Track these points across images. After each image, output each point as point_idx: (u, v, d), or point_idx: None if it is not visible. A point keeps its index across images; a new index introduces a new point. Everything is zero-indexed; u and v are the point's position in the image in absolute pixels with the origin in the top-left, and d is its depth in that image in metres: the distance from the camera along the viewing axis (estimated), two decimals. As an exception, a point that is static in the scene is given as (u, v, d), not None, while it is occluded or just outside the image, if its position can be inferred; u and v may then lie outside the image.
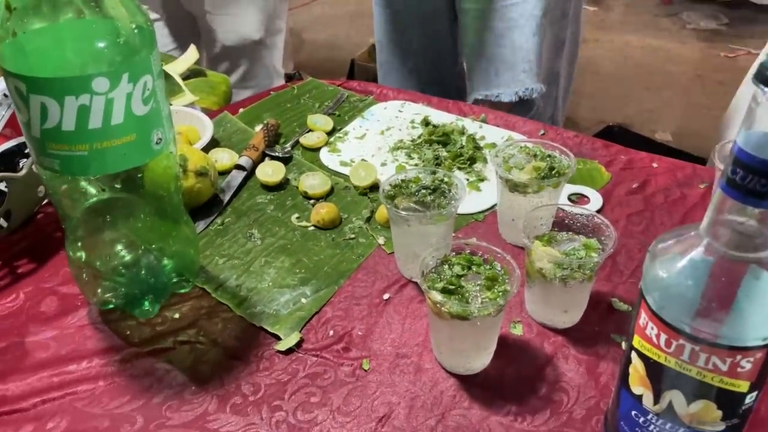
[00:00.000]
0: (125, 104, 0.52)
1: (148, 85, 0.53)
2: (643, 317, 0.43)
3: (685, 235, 0.42)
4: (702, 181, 0.84)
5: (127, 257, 0.64)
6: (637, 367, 0.45)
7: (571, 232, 0.64)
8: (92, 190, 0.59)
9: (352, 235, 0.77)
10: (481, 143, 0.91)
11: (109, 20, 0.51)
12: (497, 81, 1.15)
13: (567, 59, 1.20)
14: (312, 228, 0.78)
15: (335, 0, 3.62)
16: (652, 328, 0.43)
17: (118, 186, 0.58)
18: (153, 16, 1.39)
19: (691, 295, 0.41)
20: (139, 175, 0.57)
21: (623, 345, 0.47)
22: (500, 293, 0.56)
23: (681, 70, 2.90)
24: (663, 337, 0.42)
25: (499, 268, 0.58)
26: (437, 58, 1.27)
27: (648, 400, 0.45)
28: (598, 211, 0.79)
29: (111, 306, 0.66)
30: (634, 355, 0.45)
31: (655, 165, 0.88)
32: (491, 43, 1.15)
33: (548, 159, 0.72)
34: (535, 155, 0.73)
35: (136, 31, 0.52)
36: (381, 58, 1.32)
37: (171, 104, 1.00)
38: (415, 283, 0.70)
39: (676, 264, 0.41)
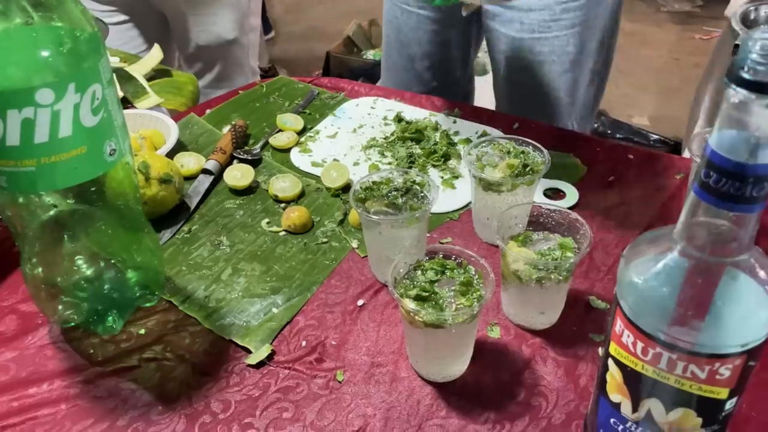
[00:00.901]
0: (73, 116, 0.49)
1: (97, 94, 0.50)
2: (619, 324, 0.42)
3: (659, 239, 0.41)
4: (678, 171, 0.83)
5: (89, 271, 0.61)
6: (614, 374, 0.44)
7: (546, 231, 0.62)
8: (46, 205, 0.56)
9: (325, 239, 0.75)
10: (456, 139, 0.90)
11: (52, 28, 0.48)
12: (523, 110, 1.05)
13: (597, 85, 1.11)
14: (283, 233, 0.76)
15: (309, -9, 3.57)
16: (629, 336, 0.41)
17: (71, 200, 0.55)
18: (123, 17, 1.35)
19: (666, 302, 0.39)
20: (93, 188, 0.55)
21: (600, 352, 0.46)
22: (475, 299, 0.54)
23: (657, 53, 2.91)
24: (639, 345, 0.41)
25: (473, 272, 0.57)
26: (446, 64, 1.18)
27: (626, 408, 0.44)
28: (575, 206, 0.78)
29: (73, 324, 0.63)
30: (611, 362, 0.44)
31: (630, 156, 0.86)
32: (519, 74, 1.07)
33: (522, 156, 0.70)
34: (508, 152, 0.71)
35: (81, 38, 0.49)
36: (386, 55, 1.23)
37: (135, 107, 0.97)
38: (390, 287, 0.68)
39: (650, 269, 0.40)
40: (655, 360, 0.40)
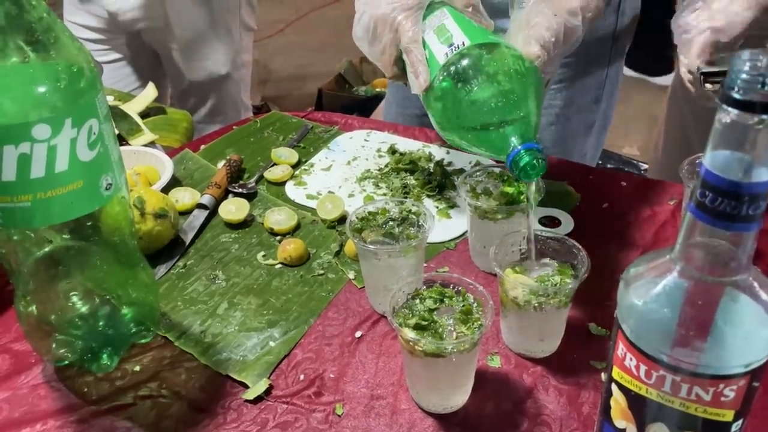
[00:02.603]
0: (69, 150, 0.49)
1: (93, 129, 0.51)
2: (621, 348, 0.42)
3: (658, 260, 0.41)
4: (671, 197, 0.84)
5: (83, 308, 0.61)
6: (618, 399, 0.43)
7: (545, 258, 0.62)
8: (41, 240, 0.56)
9: (321, 271, 0.74)
10: (449, 169, 0.90)
11: (48, 64, 0.48)
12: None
13: (596, 137, 1.11)
14: (279, 266, 0.75)
15: (300, 30, 3.63)
16: (631, 359, 0.41)
17: (66, 236, 0.55)
18: (116, 55, 1.37)
19: (667, 323, 0.39)
20: (89, 223, 0.54)
21: (603, 377, 0.45)
22: (476, 327, 0.53)
23: (644, 85, 2.95)
24: (642, 368, 0.40)
25: (472, 300, 0.56)
26: None
27: (632, 434, 0.43)
28: (570, 234, 0.78)
29: (67, 362, 0.62)
30: (614, 387, 0.43)
31: (623, 183, 0.87)
32: None
33: (516, 183, 0.71)
34: (503, 180, 0.72)
35: (77, 74, 0.49)
36: (389, 91, 1.22)
37: (129, 144, 0.97)
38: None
39: (650, 291, 0.40)
40: (659, 383, 0.40)
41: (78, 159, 0.50)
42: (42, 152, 0.48)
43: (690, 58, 0.72)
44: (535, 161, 0.58)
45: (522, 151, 0.58)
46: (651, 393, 0.41)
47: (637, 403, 0.42)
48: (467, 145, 0.64)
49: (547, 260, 0.62)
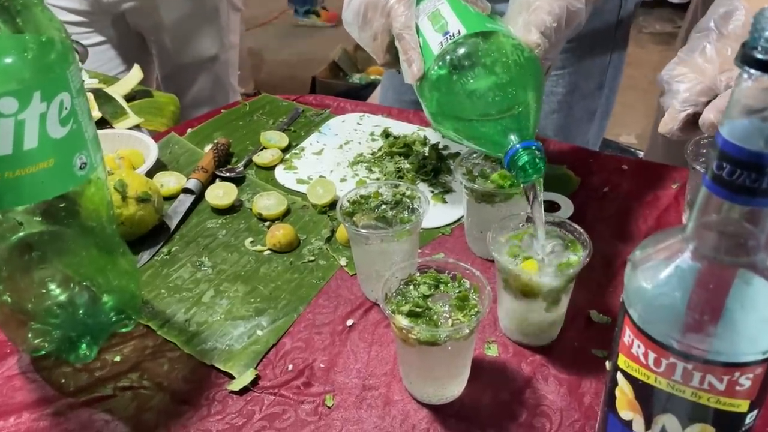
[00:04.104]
0: (39, 126, 0.46)
1: (65, 104, 0.47)
2: (628, 334, 0.39)
3: (668, 241, 0.38)
4: (674, 181, 0.81)
5: (61, 296, 0.58)
6: (624, 389, 0.41)
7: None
8: (12, 225, 0.53)
9: (312, 258, 0.71)
10: (445, 153, 0.87)
11: (15, 33, 0.45)
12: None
13: (598, 123, 1.08)
14: (268, 252, 0.72)
15: (294, 17, 3.58)
16: (639, 346, 0.38)
17: (38, 219, 0.52)
18: (100, 38, 1.33)
19: (678, 307, 0.36)
20: (62, 205, 0.51)
21: (608, 365, 0.43)
22: (473, 314, 0.51)
23: (641, 73, 2.93)
24: (651, 355, 0.38)
25: (469, 286, 0.54)
26: None
27: (639, 426, 0.41)
28: (570, 218, 0.75)
29: (43, 352, 0.59)
30: (620, 376, 0.41)
31: (624, 167, 0.84)
32: None
33: (514, 165, 0.68)
34: (500, 162, 0.69)
35: (47, 44, 0.46)
36: (385, 76, 1.19)
37: (114, 127, 0.94)
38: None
39: (660, 273, 0.37)
40: (669, 371, 0.37)
41: (48, 136, 0.47)
42: (8, 127, 0.45)
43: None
44: (534, 160, 0.54)
45: (520, 150, 0.55)
46: (660, 382, 0.38)
47: (644, 393, 0.39)
48: (462, 139, 0.61)
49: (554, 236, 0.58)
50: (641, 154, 2.11)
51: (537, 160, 0.55)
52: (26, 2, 0.45)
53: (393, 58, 0.68)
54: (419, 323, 0.50)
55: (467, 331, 0.50)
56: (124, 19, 1.31)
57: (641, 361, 0.38)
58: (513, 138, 0.56)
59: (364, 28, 0.68)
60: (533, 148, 0.55)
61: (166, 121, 1.05)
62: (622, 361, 0.40)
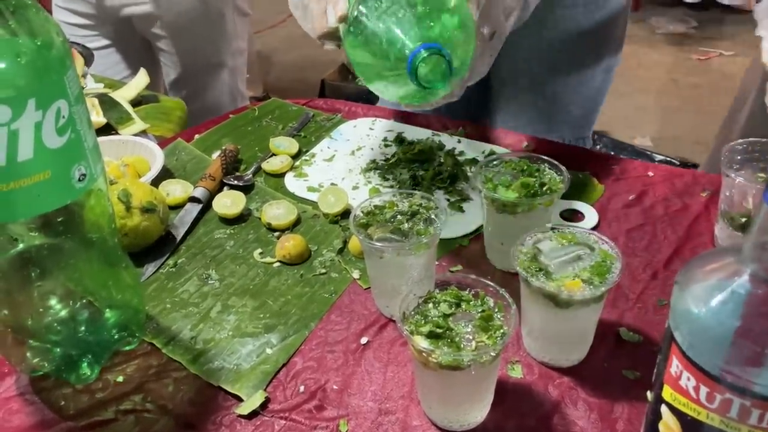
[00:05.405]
0: (34, 136, 0.43)
1: (63, 111, 0.44)
2: (676, 364, 0.35)
3: (720, 261, 0.34)
4: (703, 188, 0.77)
5: (62, 312, 0.55)
6: (669, 424, 0.37)
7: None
8: (9, 239, 0.50)
9: (323, 270, 0.68)
10: (461, 159, 0.84)
11: (7, 37, 0.42)
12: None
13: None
14: (277, 264, 0.69)
15: (302, 20, 3.56)
16: (689, 379, 0.35)
17: (35, 233, 0.49)
18: (105, 42, 1.31)
19: (735, 337, 0.33)
20: (60, 219, 0.48)
21: (649, 396, 0.39)
22: (498, 336, 0.47)
23: (654, 74, 2.88)
24: (703, 389, 0.34)
25: (492, 304, 0.50)
26: None
27: (686, 465, 0.37)
28: (595, 228, 0.71)
29: (42, 372, 0.56)
30: (664, 409, 0.37)
31: (650, 174, 0.81)
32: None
33: (537, 174, 0.64)
34: (522, 170, 0.65)
35: (43, 48, 0.43)
36: None
37: (119, 133, 0.91)
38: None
39: (713, 297, 0.34)
40: (723, 408, 0.34)
41: (44, 146, 0.44)
42: (1, 137, 0.42)
43: None
44: (435, 60, 0.49)
45: (422, 50, 0.50)
46: (713, 419, 0.34)
47: (694, 431, 0.36)
48: (389, 84, 0.57)
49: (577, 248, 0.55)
50: (659, 157, 2.07)
51: (440, 61, 0.50)
52: (19, 3, 0.42)
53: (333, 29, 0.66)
54: (440, 346, 0.47)
55: (492, 354, 0.47)
56: (129, 23, 1.29)
57: (691, 396, 0.35)
58: (418, 45, 0.51)
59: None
60: (436, 48, 0.50)
61: (173, 126, 1.02)
62: (668, 393, 0.36)
